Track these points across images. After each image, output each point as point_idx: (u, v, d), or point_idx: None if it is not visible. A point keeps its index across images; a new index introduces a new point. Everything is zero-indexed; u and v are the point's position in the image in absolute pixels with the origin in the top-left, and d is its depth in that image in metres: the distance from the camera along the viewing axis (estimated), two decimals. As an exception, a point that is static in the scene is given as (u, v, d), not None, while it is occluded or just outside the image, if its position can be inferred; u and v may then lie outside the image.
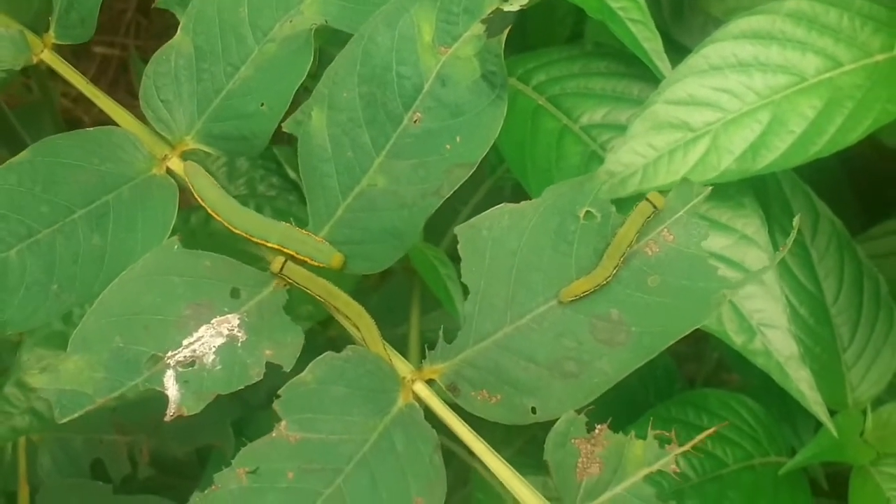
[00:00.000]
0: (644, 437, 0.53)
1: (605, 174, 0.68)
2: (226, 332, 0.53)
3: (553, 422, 0.52)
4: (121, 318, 0.53)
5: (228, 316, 0.54)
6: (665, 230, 0.53)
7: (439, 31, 0.55)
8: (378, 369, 0.54)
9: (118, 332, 0.52)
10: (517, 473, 0.53)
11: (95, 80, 0.63)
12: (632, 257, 0.53)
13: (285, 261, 0.55)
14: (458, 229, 0.54)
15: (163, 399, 0.52)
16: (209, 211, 0.58)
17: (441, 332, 0.54)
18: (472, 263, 0.54)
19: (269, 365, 0.53)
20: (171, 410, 0.51)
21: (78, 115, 1.41)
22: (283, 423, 0.51)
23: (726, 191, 0.71)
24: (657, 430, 0.53)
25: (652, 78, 0.72)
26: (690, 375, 1.03)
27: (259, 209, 0.80)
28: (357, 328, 0.56)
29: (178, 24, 0.61)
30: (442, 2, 0.55)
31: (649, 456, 0.52)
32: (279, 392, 0.51)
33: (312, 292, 0.56)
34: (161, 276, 0.54)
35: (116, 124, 0.61)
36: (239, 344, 0.53)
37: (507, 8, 0.56)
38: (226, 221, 0.57)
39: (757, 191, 0.72)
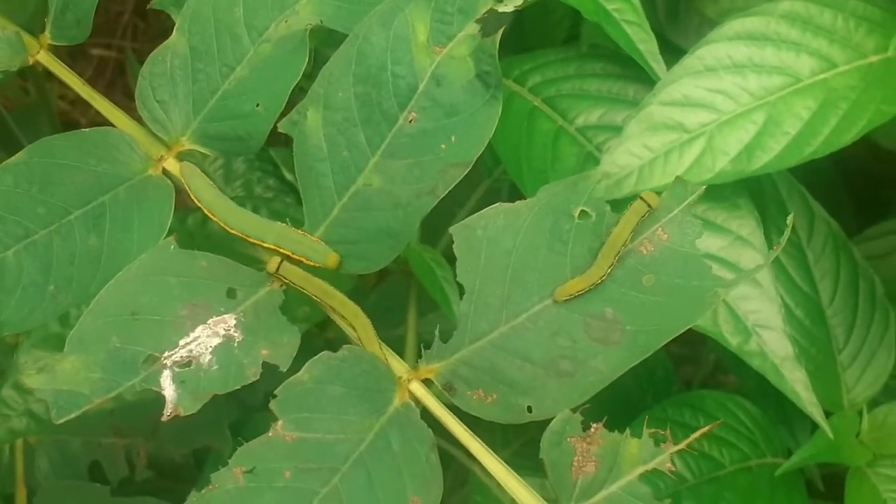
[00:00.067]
0: (640, 437, 0.53)
1: (600, 175, 0.68)
2: (222, 332, 0.53)
3: (549, 421, 0.52)
4: (117, 319, 0.53)
5: (225, 316, 0.54)
6: (660, 229, 0.53)
7: (434, 31, 0.55)
8: (374, 369, 0.54)
9: (115, 333, 0.52)
10: (514, 473, 0.53)
11: (92, 83, 0.63)
12: (626, 256, 0.53)
13: (281, 261, 0.55)
14: (454, 229, 0.54)
15: (160, 401, 0.52)
16: (205, 211, 0.58)
17: (437, 332, 0.54)
18: (467, 263, 0.54)
19: (266, 367, 0.53)
20: (167, 411, 0.51)
21: (75, 117, 1.42)
22: (279, 422, 0.51)
23: (721, 192, 0.71)
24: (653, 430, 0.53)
25: (647, 79, 0.73)
26: (688, 377, 1.03)
27: (256, 211, 0.80)
28: (353, 328, 0.56)
29: (175, 25, 0.61)
30: (436, 2, 0.55)
31: (645, 454, 0.52)
32: (275, 392, 0.51)
33: (308, 292, 0.56)
34: (157, 276, 0.54)
35: (113, 125, 0.61)
36: (235, 344, 0.53)
37: (501, 9, 0.56)
38: (222, 222, 0.57)
39: (752, 192, 0.73)
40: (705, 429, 0.54)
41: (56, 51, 0.64)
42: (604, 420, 0.52)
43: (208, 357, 0.53)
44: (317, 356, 0.53)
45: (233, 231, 0.57)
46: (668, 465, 0.52)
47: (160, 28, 1.47)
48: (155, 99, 0.60)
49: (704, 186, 0.54)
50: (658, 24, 0.87)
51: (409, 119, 0.55)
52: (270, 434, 0.51)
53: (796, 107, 0.70)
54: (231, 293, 0.55)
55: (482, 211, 0.54)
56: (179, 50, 0.60)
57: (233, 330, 0.54)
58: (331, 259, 0.55)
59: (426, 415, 0.54)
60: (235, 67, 0.59)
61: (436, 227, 0.82)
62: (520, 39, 0.95)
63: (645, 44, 0.72)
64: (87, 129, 0.60)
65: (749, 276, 0.69)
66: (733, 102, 0.70)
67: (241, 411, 0.92)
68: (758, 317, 0.71)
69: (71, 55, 1.43)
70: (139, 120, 0.61)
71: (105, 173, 0.59)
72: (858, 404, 0.83)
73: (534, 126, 0.76)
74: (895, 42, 0.71)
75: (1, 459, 0.91)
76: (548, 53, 0.80)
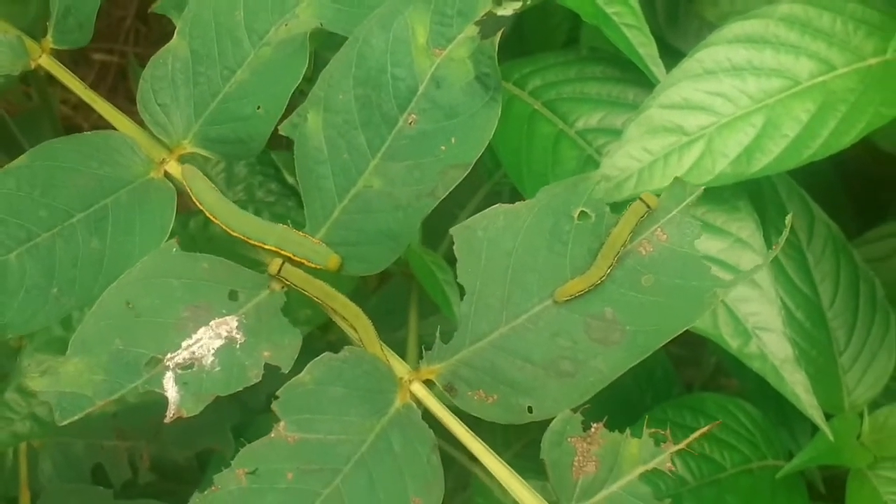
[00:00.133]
0: (640, 437, 0.53)
1: (600, 177, 0.69)
2: (224, 333, 0.54)
3: (549, 422, 0.53)
4: (120, 321, 0.53)
5: (227, 318, 0.54)
6: (659, 229, 0.54)
7: (433, 34, 0.56)
8: (375, 370, 0.54)
9: (117, 335, 0.53)
10: (515, 473, 0.53)
11: (94, 87, 0.64)
12: (626, 257, 0.53)
13: (283, 263, 0.56)
14: (454, 230, 0.54)
15: (162, 404, 0.52)
16: (207, 214, 0.58)
17: (438, 333, 0.55)
18: (467, 264, 0.54)
19: (268, 369, 0.53)
20: (170, 412, 0.52)
21: (77, 122, 1.42)
22: (281, 423, 0.51)
23: (721, 194, 0.72)
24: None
25: (647, 82, 0.73)
26: (689, 380, 1.03)
27: (258, 214, 0.80)
28: (354, 329, 0.56)
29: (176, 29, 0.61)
30: (436, 4, 0.55)
31: (645, 454, 0.52)
32: (277, 393, 0.52)
33: (310, 294, 0.56)
34: (159, 278, 0.54)
35: (115, 129, 0.61)
36: (237, 346, 0.54)
37: (500, 12, 0.56)
38: (223, 224, 0.58)
39: (752, 195, 0.73)
40: (705, 429, 0.54)
41: (58, 55, 0.65)
42: (604, 420, 0.52)
43: (210, 359, 0.53)
44: (318, 357, 0.53)
45: (234, 233, 0.58)
46: (669, 464, 0.52)
47: (162, 32, 1.48)
48: (156, 102, 0.60)
49: (703, 187, 0.54)
50: (658, 28, 0.88)
51: (409, 121, 0.56)
52: (272, 435, 0.51)
53: (795, 109, 0.70)
54: (233, 295, 0.55)
55: (482, 212, 0.55)
56: (180, 53, 0.60)
57: (235, 332, 0.54)
58: (332, 261, 0.56)
59: (428, 416, 0.54)
60: (236, 70, 0.60)
61: (437, 229, 0.82)
62: (520, 43, 0.95)
63: (644, 47, 0.72)
64: (89, 133, 0.60)
65: (748, 276, 0.69)
66: (732, 105, 0.70)
67: (243, 414, 0.92)
68: (758, 319, 0.71)
69: (73, 60, 1.43)
70: (141, 123, 0.61)
71: (107, 176, 0.59)
72: (859, 406, 0.83)
73: (534, 129, 0.77)
74: (894, 45, 0.71)
75: (5, 463, 0.91)
76: (548, 57, 0.80)
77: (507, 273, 0.54)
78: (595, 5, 0.73)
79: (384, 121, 0.56)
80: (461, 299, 0.54)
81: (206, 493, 0.50)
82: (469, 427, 0.54)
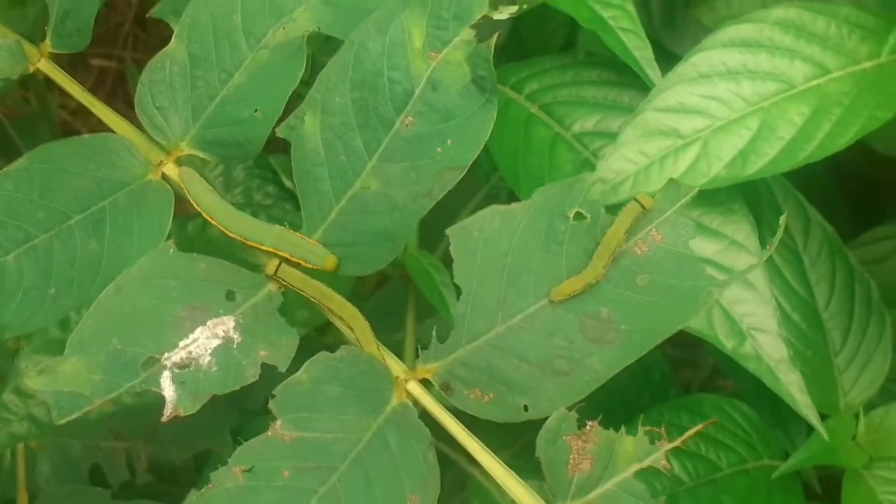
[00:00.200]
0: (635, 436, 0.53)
1: (596, 179, 0.69)
2: (221, 333, 0.54)
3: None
4: (117, 321, 0.53)
5: (224, 318, 0.54)
6: (653, 230, 0.54)
7: (429, 37, 0.56)
8: (372, 369, 0.54)
9: (115, 335, 0.53)
10: (511, 471, 0.53)
11: (93, 92, 0.64)
12: (621, 257, 0.54)
13: (280, 263, 0.56)
14: (451, 230, 0.55)
15: (160, 405, 0.52)
16: (204, 215, 0.59)
17: (434, 333, 0.55)
18: (463, 264, 0.55)
19: (267, 371, 0.54)
20: (167, 411, 0.52)
21: (76, 127, 1.42)
22: (278, 422, 0.51)
23: (717, 197, 0.72)
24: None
25: (643, 86, 0.73)
26: (686, 381, 1.04)
27: (255, 217, 0.80)
28: (351, 329, 0.57)
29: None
30: (432, 8, 0.56)
31: (640, 452, 0.53)
32: (274, 392, 0.52)
33: (307, 294, 0.57)
34: (157, 279, 0.55)
35: (113, 132, 0.62)
36: (234, 345, 0.54)
37: (496, 16, 0.57)
38: (221, 225, 0.58)
39: (748, 197, 0.73)
40: (700, 426, 0.55)
41: (57, 59, 0.65)
42: (599, 418, 0.53)
43: (207, 358, 0.53)
44: (315, 356, 0.53)
45: (232, 234, 0.58)
46: (663, 462, 0.52)
47: (160, 38, 1.47)
48: (154, 105, 0.61)
49: (697, 188, 0.54)
50: (654, 32, 0.88)
51: (406, 123, 0.56)
52: (269, 433, 0.51)
53: (790, 112, 0.70)
54: (230, 295, 0.55)
55: (478, 213, 0.55)
56: (178, 57, 0.61)
57: (232, 331, 0.54)
58: (328, 261, 0.56)
59: (425, 416, 0.55)
60: (234, 74, 0.60)
61: (434, 232, 0.82)
62: (517, 47, 0.96)
63: (640, 51, 0.72)
64: (87, 135, 0.61)
65: (742, 275, 0.69)
66: (728, 108, 0.71)
67: (241, 416, 0.92)
68: (753, 320, 0.72)
69: (72, 65, 1.43)
70: (139, 127, 0.62)
71: (105, 178, 0.59)
72: (855, 407, 0.84)
73: (531, 133, 0.77)
74: (888, 48, 0.72)
75: (2, 464, 0.91)
76: (544, 61, 0.80)
77: (503, 273, 0.54)
78: (591, 9, 0.73)
79: (381, 123, 0.56)
80: (458, 300, 0.55)
81: (203, 490, 0.50)
82: (466, 427, 0.55)
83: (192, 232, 0.82)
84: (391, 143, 0.56)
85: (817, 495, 0.87)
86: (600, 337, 0.53)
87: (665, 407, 0.84)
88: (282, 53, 0.59)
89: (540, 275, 0.54)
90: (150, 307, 0.54)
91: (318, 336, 0.88)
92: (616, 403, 0.90)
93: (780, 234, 0.53)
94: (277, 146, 0.62)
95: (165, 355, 0.53)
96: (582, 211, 0.55)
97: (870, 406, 0.84)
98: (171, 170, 0.60)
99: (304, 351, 0.55)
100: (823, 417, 0.75)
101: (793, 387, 0.72)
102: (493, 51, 0.56)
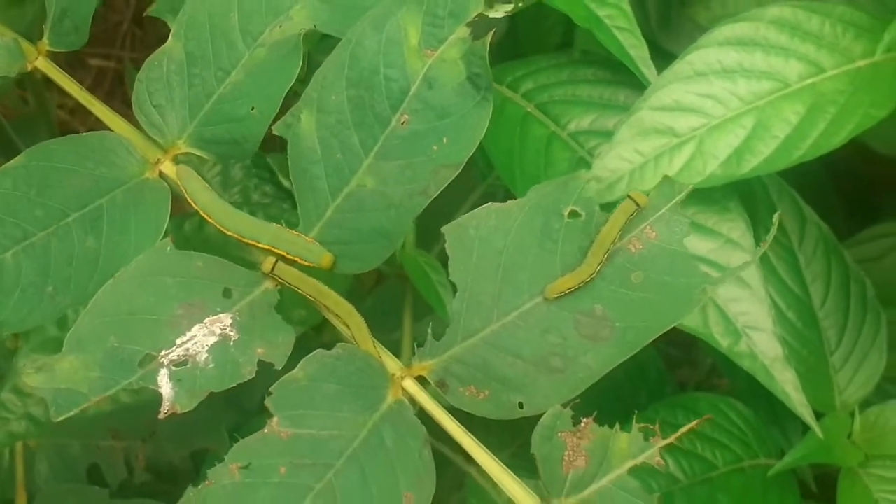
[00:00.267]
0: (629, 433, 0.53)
1: (591, 177, 0.69)
2: (218, 331, 0.54)
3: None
4: (115, 318, 0.54)
5: (221, 315, 0.55)
6: (648, 227, 0.54)
7: (425, 35, 0.56)
8: (368, 366, 0.55)
9: (112, 332, 0.53)
10: (506, 468, 0.54)
11: (91, 92, 0.64)
12: (615, 254, 0.54)
13: (276, 261, 0.56)
14: (446, 228, 0.55)
15: (157, 404, 0.52)
16: (201, 213, 0.59)
17: (430, 330, 0.55)
18: (459, 262, 0.55)
19: (265, 371, 0.54)
20: (164, 408, 0.52)
21: (74, 126, 1.42)
22: (274, 419, 0.52)
23: (712, 195, 0.72)
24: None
25: (638, 85, 0.73)
26: (683, 380, 1.04)
27: (252, 216, 0.81)
28: (347, 327, 0.57)
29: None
30: (428, 6, 0.56)
31: (634, 449, 0.53)
32: (271, 389, 0.52)
33: (303, 292, 0.57)
34: (154, 276, 0.55)
35: (111, 130, 0.62)
36: (231, 343, 0.54)
37: (492, 14, 0.57)
38: (218, 223, 0.58)
39: (743, 196, 0.73)
40: (694, 423, 0.55)
41: (55, 59, 0.65)
42: (594, 415, 0.53)
43: (204, 355, 0.53)
44: (311, 354, 0.54)
45: (228, 232, 0.58)
46: (658, 459, 0.53)
47: (158, 37, 1.48)
48: (151, 103, 0.61)
49: (692, 185, 0.55)
50: (650, 31, 0.88)
51: (402, 121, 0.56)
52: (266, 430, 0.51)
53: (785, 111, 0.70)
54: (227, 293, 0.55)
55: (474, 211, 0.55)
56: (175, 55, 0.61)
57: (228, 329, 0.54)
58: (325, 259, 0.56)
59: (422, 416, 0.55)
60: (231, 72, 0.60)
61: (431, 231, 0.82)
62: (513, 46, 0.96)
63: (636, 49, 0.72)
64: (85, 133, 0.61)
65: (736, 272, 0.70)
66: (723, 107, 0.71)
67: (239, 415, 0.92)
68: (748, 318, 0.72)
69: (70, 65, 1.44)
70: (137, 125, 0.62)
71: (102, 176, 0.59)
72: (850, 405, 0.84)
73: (526, 131, 0.77)
74: (882, 47, 0.72)
75: (1, 463, 0.91)
76: (540, 60, 0.80)
77: (498, 271, 0.54)
78: (587, 8, 0.73)
79: (377, 121, 0.56)
80: (454, 297, 0.55)
81: (199, 487, 0.50)
82: (464, 426, 0.55)
83: (189, 230, 0.82)
84: (387, 141, 0.56)
85: (813, 494, 0.87)
86: (595, 334, 0.53)
87: (660, 405, 0.84)
88: (278, 51, 0.59)
89: (535, 272, 0.54)
90: (147, 305, 0.54)
91: (315, 334, 0.88)
92: (612, 401, 0.90)
93: (773, 231, 0.54)
94: (275, 145, 0.62)
95: (162, 353, 0.53)
96: (577, 209, 0.55)
97: (865, 404, 0.84)
98: (168, 168, 0.61)
99: (301, 349, 0.55)
100: (819, 416, 0.75)
101: (788, 385, 0.72)
102: (488, 49, 0.56)
